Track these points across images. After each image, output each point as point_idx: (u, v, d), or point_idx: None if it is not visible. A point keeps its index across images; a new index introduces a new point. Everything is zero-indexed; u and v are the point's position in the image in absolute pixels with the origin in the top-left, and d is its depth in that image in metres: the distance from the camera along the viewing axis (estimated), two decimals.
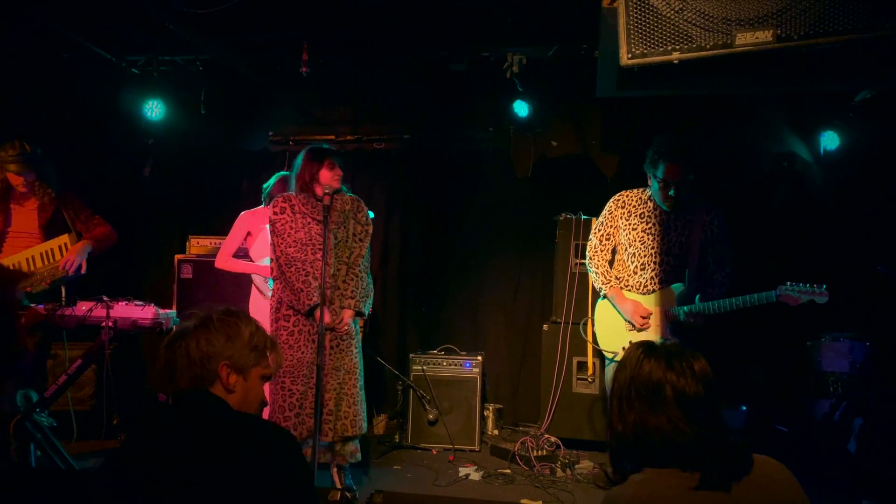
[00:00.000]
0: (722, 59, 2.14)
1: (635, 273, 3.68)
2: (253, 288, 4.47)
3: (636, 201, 3.74)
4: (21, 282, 3.39)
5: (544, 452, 4.38)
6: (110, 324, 3.29)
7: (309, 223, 3.63)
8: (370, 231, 3.81)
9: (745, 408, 4.40)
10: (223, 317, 1.73)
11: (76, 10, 4.24)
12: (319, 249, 3.59)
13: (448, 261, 5.66)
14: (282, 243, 3.60)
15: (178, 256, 5.24)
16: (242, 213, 4.46)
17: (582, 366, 4.76)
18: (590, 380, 4.72)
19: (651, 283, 3.64)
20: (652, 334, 3.58)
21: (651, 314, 3.59)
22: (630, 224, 3.70)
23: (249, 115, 5.69)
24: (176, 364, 1.68)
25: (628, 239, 3.70)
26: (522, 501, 3.75)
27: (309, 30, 4.44)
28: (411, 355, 4.96)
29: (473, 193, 5.62)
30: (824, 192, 4.93)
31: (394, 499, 3.31)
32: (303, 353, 3.54)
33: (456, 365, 4.86)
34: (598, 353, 4.38)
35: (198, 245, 5.32)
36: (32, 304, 3.39)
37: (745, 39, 2.03)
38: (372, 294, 3.79)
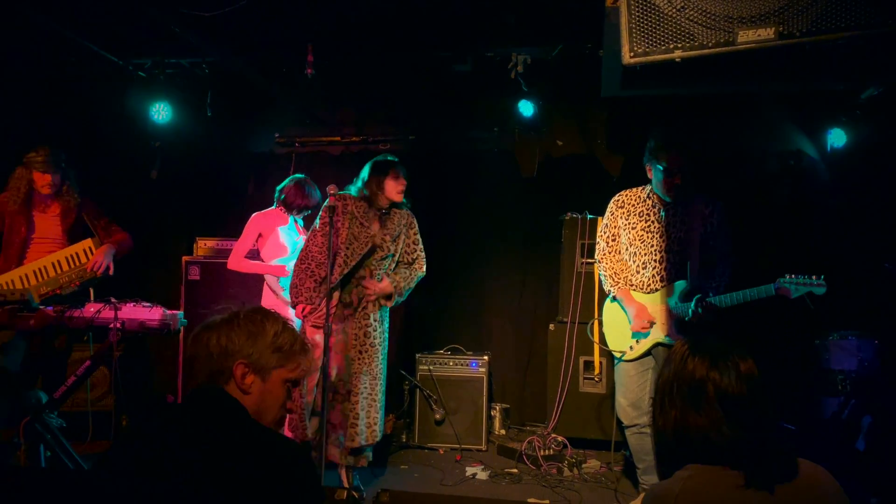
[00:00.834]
0: (725, 57, 2.14)
1: (638, 272, 3.68)
2: (265, 287, 4.50)
3: (635, 200, 3.73)
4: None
5: (551, 452, 4.38)
6: (118, 325, 3.30)
7: (358, 226, 3.70)
8: (419, 243, 3.99)
9: None
10: (250, 314, 1.66)
11: (83, 15, 4.27)
12: (355, 253, 3.67)
13: (454, 261, 5.66)
14: (312, 239, 3.72)
15: (185, 258, 5.27)
16: (254, 214, 4.49)
17: (589, 365, 4.75)
18: (597, 379, 4.72)
19: (653, 282, 3.63)
20: (657, 332, 3.57)
21: (654, 322, 3.59)
22: (629, 223, 3.70)
23: (255, 117, 5.72)
24: (196, 357, 1.61)
25: (629, 238, 3.70)
26: (530, 501, 3.75)
27: (313, 32, 4.46)
28: (417, 355, 4.97)
29: (479, 193, 5.63)
30: (831, 189, 4.91)
31: (401, 498, 3.32)
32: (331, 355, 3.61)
33: (462, 365, 4.87)
34: (606, 353, 4.38)
35: (205, 246, 5.36)
36: (42, 307, 3.41)
37: (748, 37, 2.03)
38: (400, 299, 3.88)
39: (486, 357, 4.89)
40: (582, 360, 4.77)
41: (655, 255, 3.61)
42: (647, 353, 3.62)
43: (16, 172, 3.98)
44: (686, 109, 4.86)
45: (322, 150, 5.74)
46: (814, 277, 3.25)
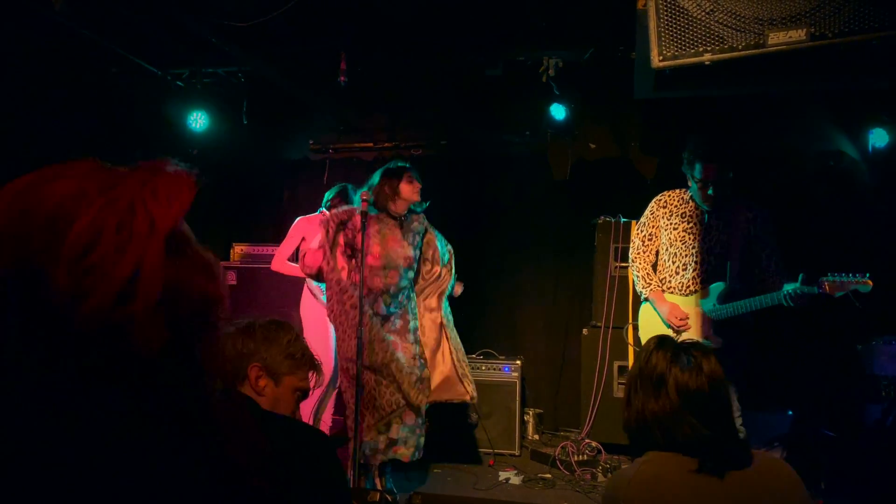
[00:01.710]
0: (757, 59, 2.11)
1: (677, 273, 3.64)
2: (305, 290, 4.57)
3: (678, 201, 3.70)
4: None
5: (585, 457, 4.35)
6: None
7: (384, 238, 3.74)
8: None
9: (791, 412, 4.29)
10: (266, 323, 1.77)
11: (124, 27, 4.41)
12: (391, 266, 3.70)
13: (486, 265, 5.66)
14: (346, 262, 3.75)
15: (222, 263, 5.36)
16: (299, 218, 4.57)
17: (623, 370, 4.71)
18: None
19: (693, 283, 3.60)
20: (693, 335, 3.53)
21: (688, 316, 3.55)
22: (671, 224, 3.67)
23: (290, 124, 5.81)
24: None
25: (669, 239, 3.67)
26: None
27: (346, 40, 4.52)
28: None
29: (511, 198, 5.62)
30: (873, 191, 4.79)
31: (433, 501, 3.33)
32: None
33: (495, 369, 4.86)
34: None
35: (241, 252, 5.45)
36: None
37: (778, 39, 1.99)
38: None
39: (518, 361, 4.88)
40: (616, 364, 4.72)
41: (696, 256, 3.58)
42: None
43: None
44: (722, 109, 4.79)
45: (355, 157, 5.80)
46: (858, 275, 3.19)
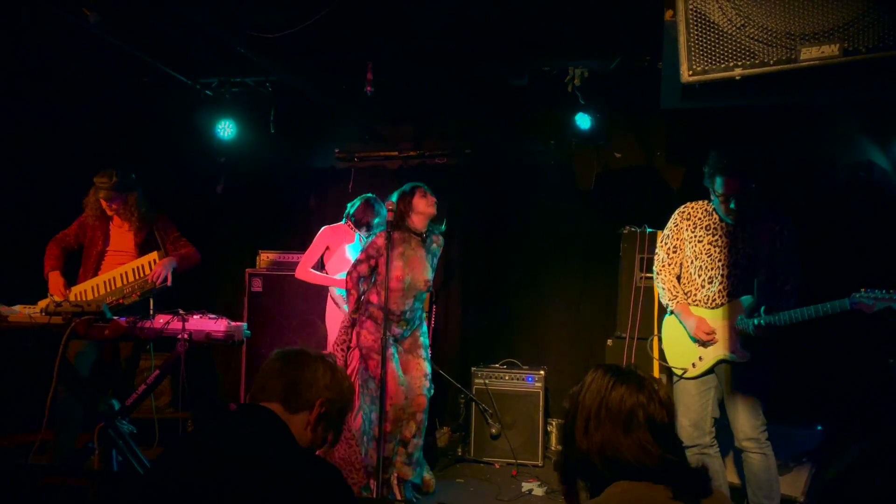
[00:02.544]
0: (787, 72, 2.08)
1: (703, 287, 3.60)
2: (329, 300, 4.60)
3: (702, 213, 3.66)
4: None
5: None
6: (186, 336, 3.42)
7: (408, 259, 3.84)
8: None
9: (820, 427, 4.22)
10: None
11: (155, 38, 4.49)
12: (412, 289, 3.83)
13: (510, 274, 5.65)
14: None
15: (248, 270, 5.43)
16: (324, 227, 4.62)
17: None
18: None
19: (719, 297, 3.55)
20: (720, 349, 3.49)
21: (714, 330, 3.51)
22: (696, 236, 3.63)
23: (316, 133, 5.87)
24: (279, 374, 1.75)
25: (694, 252, 3.63)
26: None
27: (373, 50, 4.56)
28: (473, 369, 4.98)
29: (535, 207, 5.61)
30: None
31: None
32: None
33: (518, 379, 4.85)
34: (666, 369, 4.29)
35: (267, 259, 5.51)
36: (115, 317, 3.56)
37: (811, 54, 1.97)
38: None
39: (542, 372, 4.86)
40: None
41: (722, 269, 3.53)
42: (710, 371, 3.53)
43: (90, 192, 4.18)
44: (750, 119, 4.73)
45: (380, 165, 5.84)
46: (893, 291, 3.12)
